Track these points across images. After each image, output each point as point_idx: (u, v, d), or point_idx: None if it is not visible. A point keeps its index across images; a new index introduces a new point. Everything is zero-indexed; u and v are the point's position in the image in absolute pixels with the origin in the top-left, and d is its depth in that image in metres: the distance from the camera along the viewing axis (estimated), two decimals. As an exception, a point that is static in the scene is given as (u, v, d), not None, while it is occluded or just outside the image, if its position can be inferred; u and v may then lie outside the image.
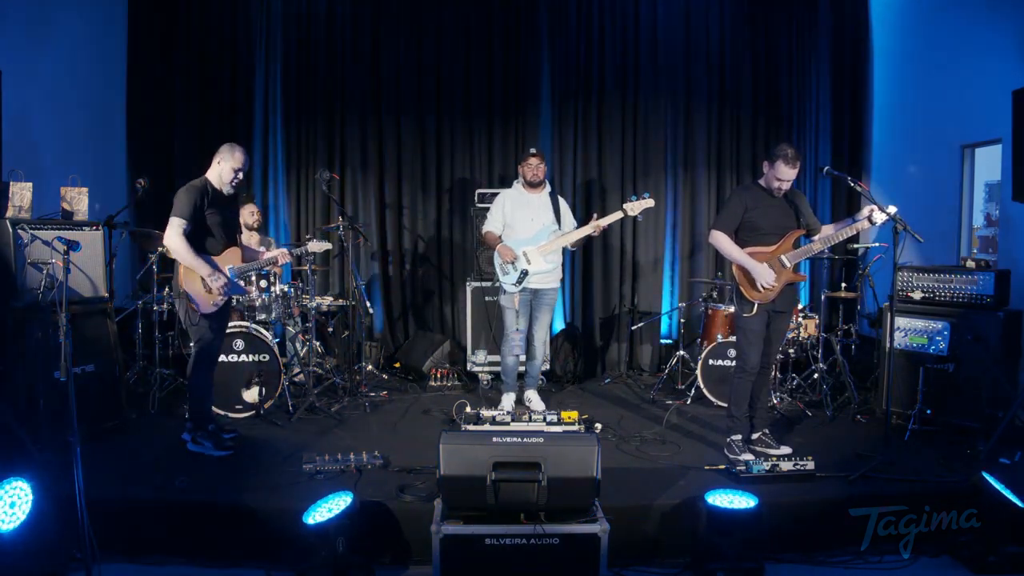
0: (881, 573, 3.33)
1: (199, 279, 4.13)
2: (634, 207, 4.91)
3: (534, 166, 5.00)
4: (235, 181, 4.24)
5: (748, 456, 4.07)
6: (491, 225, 5.13)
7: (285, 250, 4.64)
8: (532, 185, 5.05)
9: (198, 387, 4.27)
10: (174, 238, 4.05)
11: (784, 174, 4.03)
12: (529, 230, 5.01)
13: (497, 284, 5.12)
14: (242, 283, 4.44)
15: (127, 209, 5.58)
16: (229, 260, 4.30)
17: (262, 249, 4.85)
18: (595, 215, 5.00)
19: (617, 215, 4.97)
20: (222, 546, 3.38)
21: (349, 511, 3.13)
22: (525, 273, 4.94)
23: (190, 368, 4.29)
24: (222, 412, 4.83)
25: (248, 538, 3.39)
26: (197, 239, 4.14)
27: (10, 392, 4.00)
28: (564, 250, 5.15)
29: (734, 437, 4.25)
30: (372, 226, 6.86)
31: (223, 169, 4.19)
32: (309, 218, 6.94)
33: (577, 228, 5.01)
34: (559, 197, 5.16)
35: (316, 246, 4.97)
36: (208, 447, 4.13)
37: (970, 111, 5.57)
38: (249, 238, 5.62)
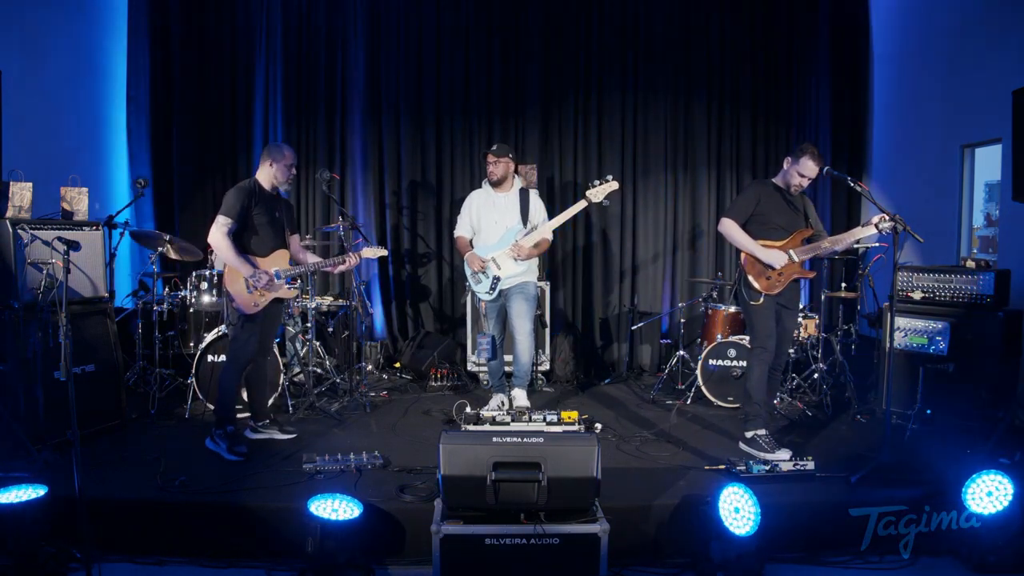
0: (881, 573, 3.33)
1: (242, 279, 4.14)
2: (597, 193, 4.72)
3: (491, 164, 4.89)
4: (291, 178, 4.34)
5: (783, 453, 4.02)
6: (461, 229, 5.04)
7: (342, 257, 4.50)
8: (495, 184, 4.94)
9: (224, 386, 4.27)
10: (219, 236, 4.09)
11: (809, 170, 4.10)
12: (494, 234, 4.90)
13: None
14: (294, 285, 4.40)
15: (127, 209, 5.58)
16: (276, 262, 4.30)
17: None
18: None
19: (581, 204, 4.78)
20: (222, 546, 3.38)
21: (353, 520, 3.13)
22: (497, 279, 4.87)
23: (224, 365, 4.37)
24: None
25: (248, 538, 3.39)
26: (242, 239, 4.19)
27: (10, 392, 4.00)
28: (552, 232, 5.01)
29: (758, 432, 4.17)
30: (372, 226, 6.87)
31: (278, 169, 4.26)
32: (309, 218, 6.95)
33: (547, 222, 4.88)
34: (531, 193, 5.00)
35: (371, 252, 4.66)
36: (222, 448, 4.11)
37: (970, 111, 5.57)
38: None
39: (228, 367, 4.29)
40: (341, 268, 4.55)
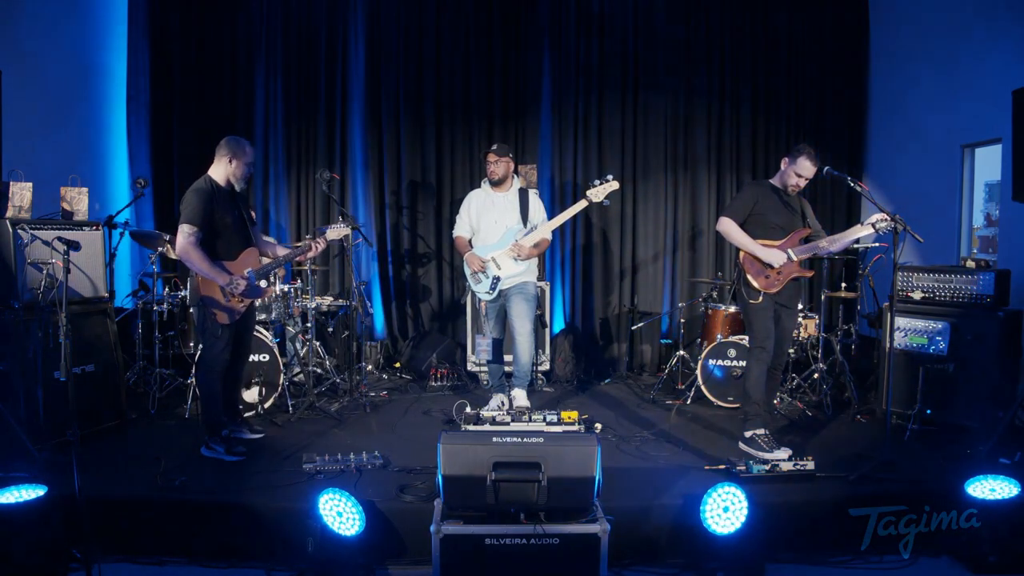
0: (881, 573, 3.33)
1: (218, 289, 3.97)
2: (598, 192, 4.74)
3: (492, 163, 4.90)
4: (247, 176, 4.14)
5: (782, 452, 4.02)
6: (460, 229, 5.05)
7: (309, 243, 4.35)
8: (495, 184, 4.95)
9: (207, 394, 4.18)
10: (187, 247, 3.84)
11: (806, 170, 4.12)
12: (494, 234, 4.91)
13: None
14: (264, 283, 4.21)
15: (127, 209, 5.58)
16: (247, 263, 4.12)
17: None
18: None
19: (581, 204, 4.79)
20: (222, 546, 3.38)
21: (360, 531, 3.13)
22: (497, 279, 4.87)
23: (198, 374, 4.22)
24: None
25: (248, 538, 3.39)
26: (211, 245, 3.98)
27: (10, 392, 3.99)
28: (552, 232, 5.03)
29: (757, 431, 4.17)
30: (372, 226, 6.87)
31: (235, 166, 4.05)
32: (309, 218, 6.95)
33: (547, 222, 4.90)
34: (530, 193, 5.01)
35: (335, 232, 4.48)
36: (220, 452, 4.07)
37: (970, 111, 5.57)
38: None
39: (206, 377, 4.14)
40: (310, 254, 4.42)
